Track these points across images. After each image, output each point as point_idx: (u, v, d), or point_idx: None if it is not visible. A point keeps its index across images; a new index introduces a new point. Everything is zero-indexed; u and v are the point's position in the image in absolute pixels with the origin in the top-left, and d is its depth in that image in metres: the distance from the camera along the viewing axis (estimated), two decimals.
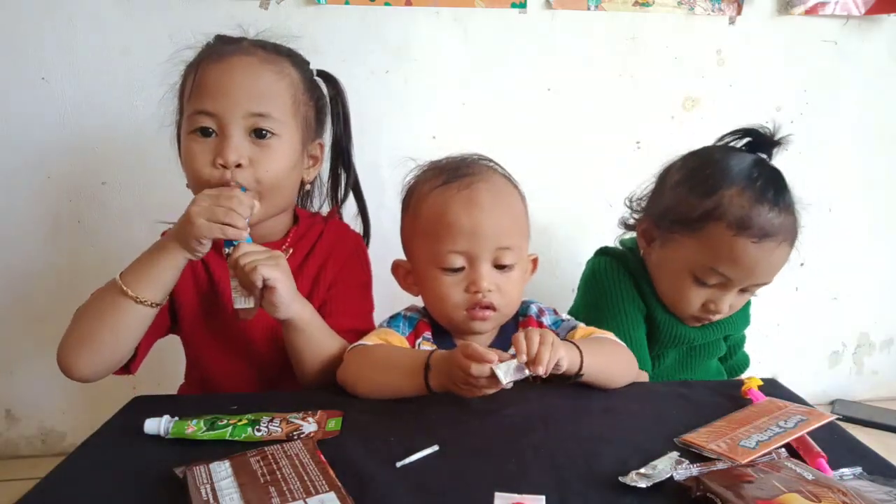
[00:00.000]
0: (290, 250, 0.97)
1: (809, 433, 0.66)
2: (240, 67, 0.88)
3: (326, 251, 1.00)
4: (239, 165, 0.85)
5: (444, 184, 0.86)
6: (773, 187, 0.93)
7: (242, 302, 0.83)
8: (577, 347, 0.78)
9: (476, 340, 0.83)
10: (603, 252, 1.14)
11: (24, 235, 1.43)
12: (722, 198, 0.92)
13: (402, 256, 0.95)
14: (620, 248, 1.14)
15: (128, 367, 0.90)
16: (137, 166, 1.40)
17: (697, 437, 0.66)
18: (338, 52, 1.40)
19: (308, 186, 1.03)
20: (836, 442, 0.68)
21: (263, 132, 0.87)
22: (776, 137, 0.99)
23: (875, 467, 0.62)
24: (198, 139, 0.86)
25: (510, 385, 0.70)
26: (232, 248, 0.81)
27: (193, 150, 0.87)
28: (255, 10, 1.37)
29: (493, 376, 0.68)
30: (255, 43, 0.94)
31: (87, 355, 0.82)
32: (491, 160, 0.93)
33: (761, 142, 0.99)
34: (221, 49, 0.91)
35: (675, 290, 1.01)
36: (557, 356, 0.71)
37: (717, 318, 1.01)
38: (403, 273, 0.94)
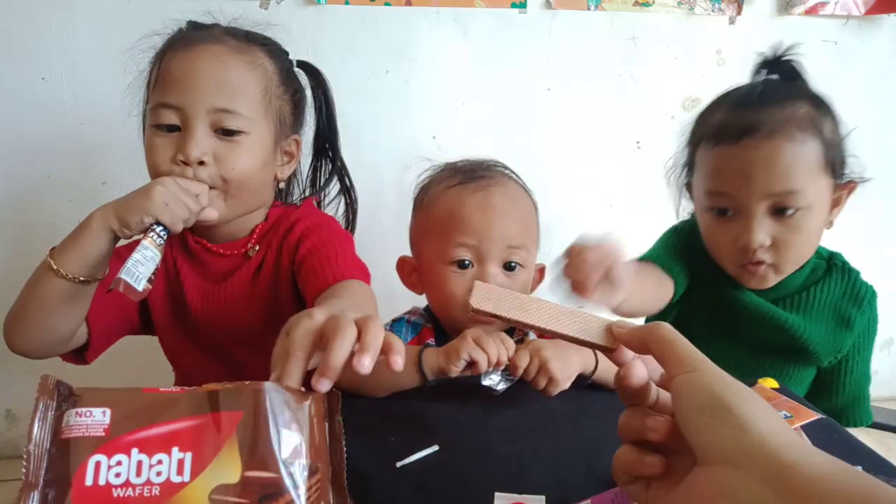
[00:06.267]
0: (256, 247, 0.91)
1: (806, 432, 0.66)
2: (206, 57, 0.82)
3: (299, 235, 0.91)
4: (202, 163, 0.80)
5: (460, 184, 0.87)
6: (749, 89, 0.86)
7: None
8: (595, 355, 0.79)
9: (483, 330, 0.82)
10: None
11: (25, 235, 1.43)
12: (702, 123, 0.90)
13: (399, 257, 0.95)
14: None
15: (82, 356, 0.86)
16: (137, 166, 1.38)
17: None
18: (338, 52, 1.40)
19: (282, 184, 0.97)
20: (836, 442, 0.68)
21: (229, 130, 0.82)
22: (779, 53, 0.90)
23: (875, 467, 0.62)
24: (160, 133, 0.82)
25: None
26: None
27: (155, 143, 0.82)
28: (255, 10, 1.37)
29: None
30: (227, 30, 0.88)
31: (19, 330, 0.78)
32: (507, 167, 0.94)
33: (773, 68, 0.91)
34: (189, 37, 0.85)
35: (708, 239, 0.91)
36: (540, 366, 0.74)
37: (760, 256, 0.85)
38: (409, 269, 0.93)
